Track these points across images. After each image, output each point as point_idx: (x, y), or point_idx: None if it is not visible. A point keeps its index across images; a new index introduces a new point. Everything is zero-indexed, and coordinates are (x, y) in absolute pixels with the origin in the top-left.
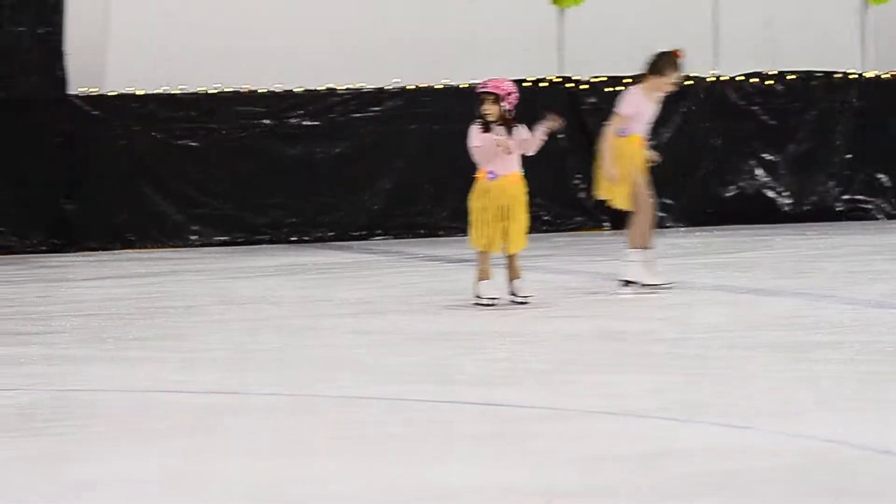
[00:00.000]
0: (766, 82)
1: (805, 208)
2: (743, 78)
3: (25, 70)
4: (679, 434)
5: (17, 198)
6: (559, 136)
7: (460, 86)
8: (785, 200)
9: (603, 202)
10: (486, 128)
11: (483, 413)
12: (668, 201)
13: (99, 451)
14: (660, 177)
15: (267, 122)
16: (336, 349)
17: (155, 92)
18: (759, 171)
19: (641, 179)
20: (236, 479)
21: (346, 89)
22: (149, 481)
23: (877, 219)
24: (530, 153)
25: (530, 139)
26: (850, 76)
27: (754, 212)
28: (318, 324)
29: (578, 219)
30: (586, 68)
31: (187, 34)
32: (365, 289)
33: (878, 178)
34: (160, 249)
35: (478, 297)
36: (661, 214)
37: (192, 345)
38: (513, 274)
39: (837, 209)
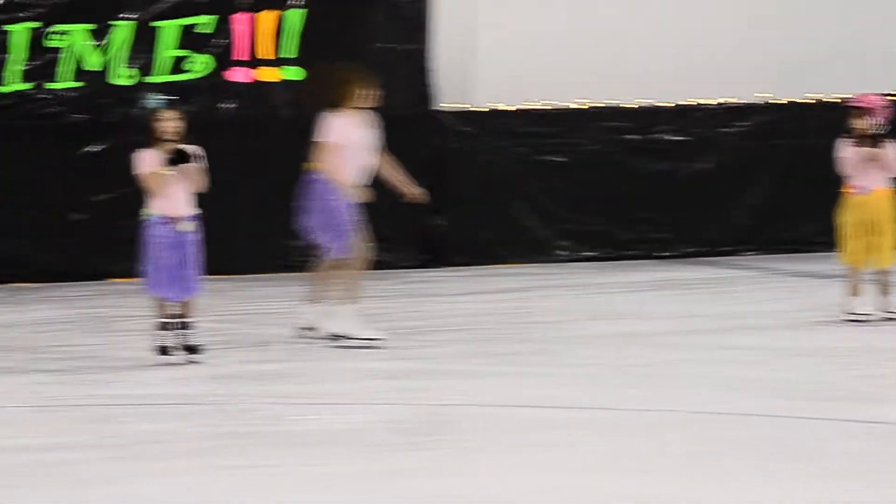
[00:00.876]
0: None
1: None
2: None
3: (395, 86)
4: None
5: (391, 213)
6: None
7: (828, 100)
8: None
9: None
10: (857, 142)
11: (854, 430)
12: None
13: (470, 465)
14: None
15: (633, 137)
16: (706, 365)
17: (521, 107)
18: None
19: None
20: (595, 495)
21: (714, 104)
22: (513, 494)
23: None
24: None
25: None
26: None
27: None
28: (686, 340)
29: None
30: None
31: (553, 50)
32: (733, 304)
33: None
34: (527, 265)
35: (849, 313)
36: None
37: (561, 360)
38: (884, 289)
39: None
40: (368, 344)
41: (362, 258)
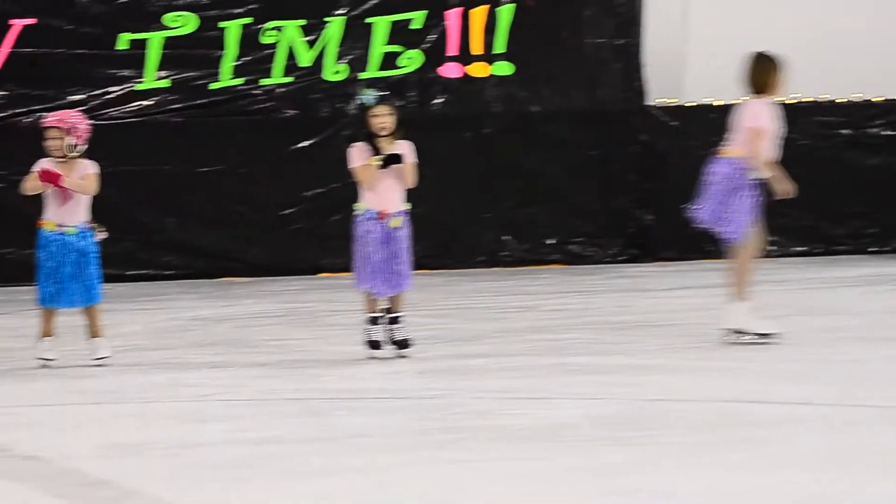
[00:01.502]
0: None
1: None
2: None
3: (605, 81)
4: None
5: (599, 207)
6: None
7: None
8: None
9: None
10: None
11: None
12: None
13: (678, 461)
14: None
15: (846, 131)
16: None
17: (732, 102)
18: None
19: None
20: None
21: None
22: (725, 492)
23: None
24: None
25: None
26: None
27: None
28: (886, 333)
29: None
30: None
31: (765, 44)
32: None
33: None
34: None
35: None
36: None
37: (769, 355)
38: None
39: None
40: (765, 339)
41: (758, 248)
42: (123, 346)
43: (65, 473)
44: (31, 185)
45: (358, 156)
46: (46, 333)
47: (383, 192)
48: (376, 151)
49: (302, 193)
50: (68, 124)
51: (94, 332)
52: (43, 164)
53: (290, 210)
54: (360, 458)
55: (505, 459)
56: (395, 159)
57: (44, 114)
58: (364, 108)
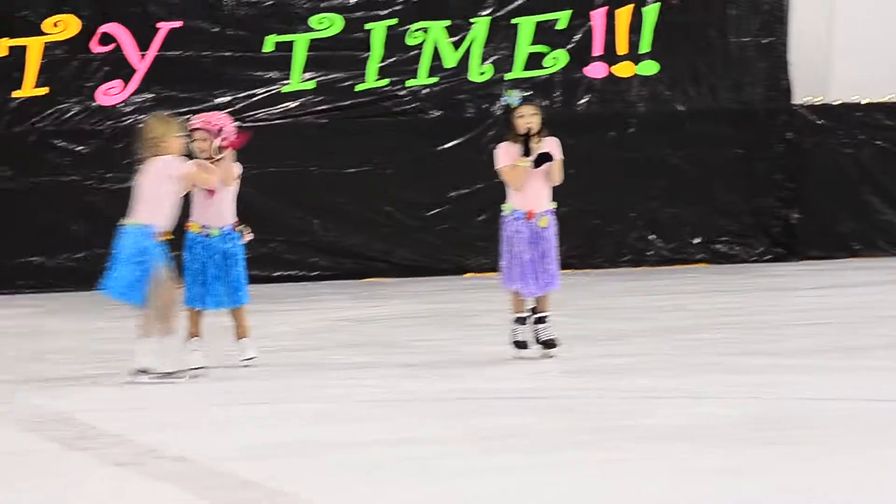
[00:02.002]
0: None
1: None
2: None
3: (751, 80)
4: None
5: (745, 207)
6: None
7: None
8: None
9: None
10: None
11: None
12: None
13: (829, 462)
14: None
15: None
16: None
17: (881, 101)
18: None
19: None
20: None
21: None
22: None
23: None
24: None
25: None
26: None
27: None
28: None
29: None
30: None
31: None
32: None
33: None
34: (884, 258)
35: None
36: None
37: None
38: None
39: None
40: None
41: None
42: (271, 346)
43: (212, 474)
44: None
45: (504, 156)
46: (193, 334)
47: (530, 192)
48: (525, 152)
49: (448, 194)
50: (216, 126)
51: (240, 334)
52: (191, 165)
53: (436, 210)
54: (507, 459)
55: (653, 459)
56: (545, 158)
57: (189, 116)
58: (509, 109)
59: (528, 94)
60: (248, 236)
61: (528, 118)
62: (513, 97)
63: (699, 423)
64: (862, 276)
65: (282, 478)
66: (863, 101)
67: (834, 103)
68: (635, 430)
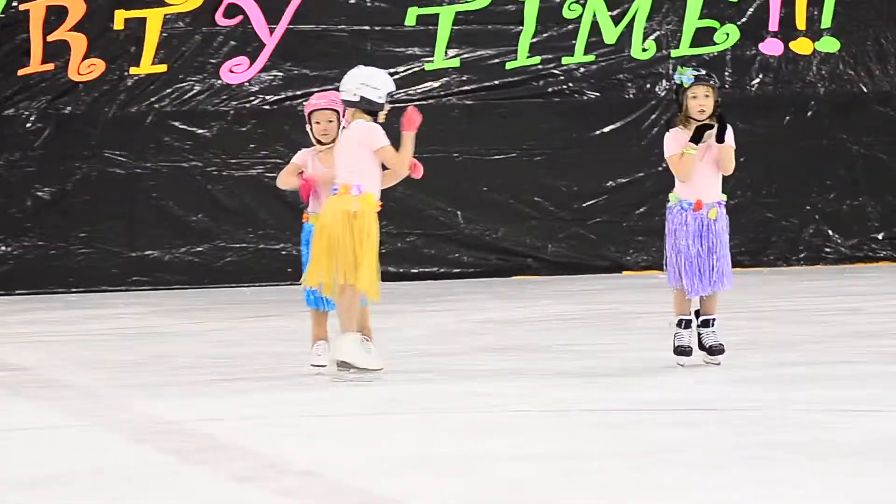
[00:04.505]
0: None
1: None
2: None
3: None
4: None
5: None
6: None
7: None
8: None
9: None
10: None
11: None
12: None
13: None
14: None
15: None
16: None
17: None
18: None
19: None
20: None
21: None
22: None
23: None
24: None
25: None
26: None
27: None
28: None
29: None
30: None
31: None
32: None
33: None
34: None
35: None
36: None
37: None
38: None
39: None
40: None
41: None
42: (406, 350)
43: (344, 490)
44: (286, 180)
45: (674, 144)
46: (318, 337)
47: (699, 181)
48: (696, 140)
49: (605, 184)
50: (343, 106)
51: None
52: (304, 155)
53: (592, 202)
54: (668, 476)
55: (833, 476)
56: (718, 132)
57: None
58: (681, 89)
59: (703, 73)
60: None
61: (702, 100)
62: (685, 75)
63: (884, 438)
64: None
65: (422, 494)
66: None
67: None
68: (811, 446)
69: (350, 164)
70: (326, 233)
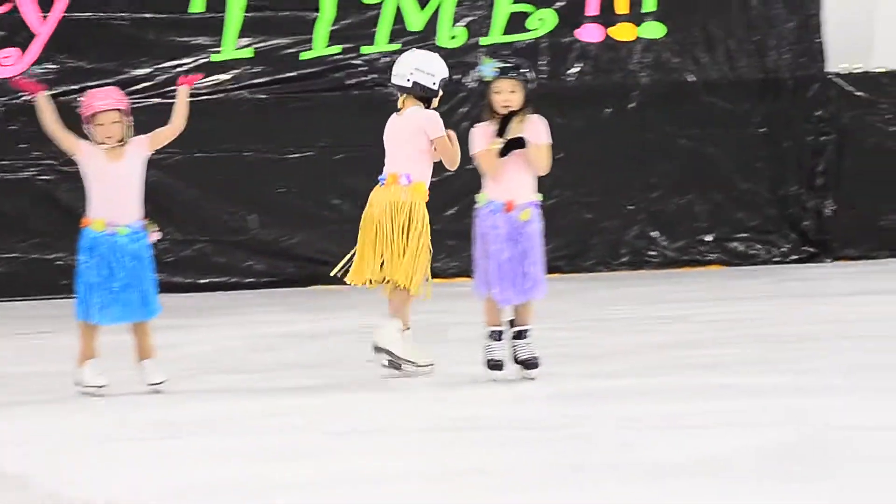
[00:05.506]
0: None
1: None
2: None
3: (777, 44)
4: None
5: (768, 197)
6: None
7: None
8: None
9: None
10: None
11: None
12: None
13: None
14: None
15: None
16: None
17: None
18: None
19: None
20: None
21: None
22: None
23: None
24: None
25: None
26: None
27: None
28: None
29: None
30: None
31: None
32: None
33: None
34: None
35: None
36: None
37: None
38: None
39: None
40: None
41: None
42: (191, 369)
43: None
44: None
45: (480, 139)
46: (88, 355)
47: (510, 181)
48: (500, 134)
49: None
50: (127, 105)
51: (144, 354)
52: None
53: (252, 220)
54: (478, 499)
55: (658, 500)
56: (516, 144)
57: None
58: (486, 82)
59: (508, 65)
60: (156, 235)
61: (506, 95)
62: (487, 68)
63: (709, 457)
64: None
65: None
66: None
67: (877, 71)
68: (632, 467)
69: (403, 152)
70: (373, 225)
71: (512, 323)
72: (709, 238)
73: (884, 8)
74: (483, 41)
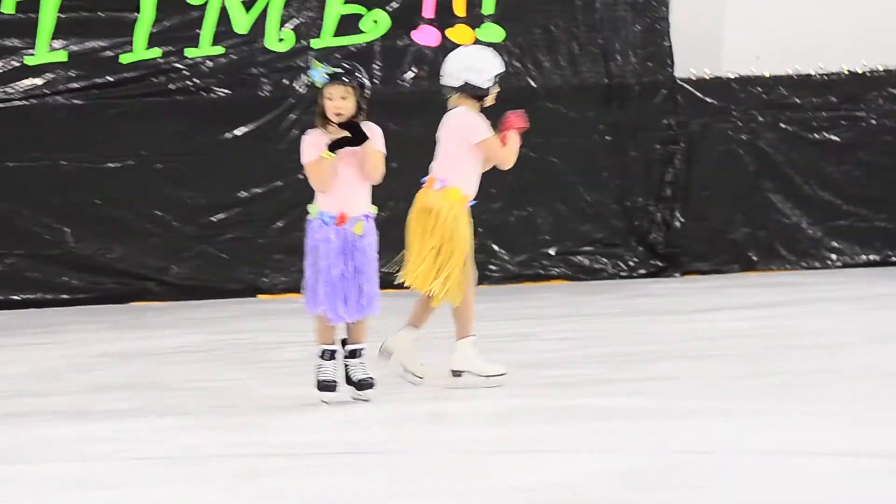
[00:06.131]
0: None
1: None
2: None
3: (623, 48)
4: None
5: (614, 208)
6: None
7: None
8: None
9: None
10: None
11: None
12: None
13: None
14: None
15: None
16: None
17: (785, 73)
18: None
19: None
20: None
21: None
22: None
23: None
24: None
25: None
26: None
27: None
28: None
29: None
30: None
31: (825, 3)
32: None
33: None
34: (789, 272)
35: None
36: None
37: (830, 395)
38: None
39: None
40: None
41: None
42: (3, 391)
43: None
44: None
45: (311, 148)
46: None
47: (343, 191)
48: (332, 140)
49: (237, 194)
50: None
51: None
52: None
53: (222, 215)
54: None
55: None
56: (353, 139)
57: None
58: (316, 87)
59: (341, 70)
60: None
61: (338, 102)
62: (317, 73)
63: (561, 483)
64: (761, 295)
65: None
66: (764, 74)
67: (727, 77)
68: (477, 495)
69: (443, 154)
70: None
71: (345, 342)
72: (551, 252)
73: (733, 12)
74: (314, 44)
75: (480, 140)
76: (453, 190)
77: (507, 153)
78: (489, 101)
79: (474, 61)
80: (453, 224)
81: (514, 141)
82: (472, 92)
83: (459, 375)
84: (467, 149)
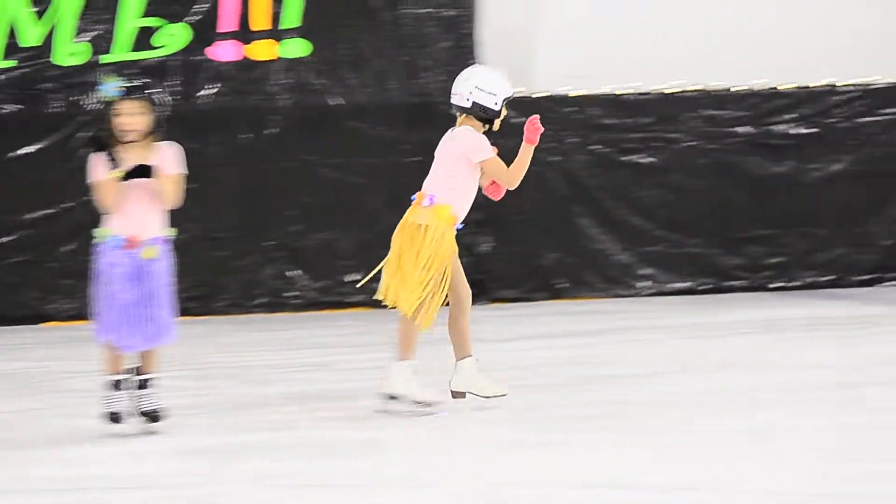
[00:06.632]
0: None
1: None
2: None
3: (430, 65)
4: None
5: None
6: None
7: None
8: None
9: None
10: None
11: None
12: None
13: None
14: None
15: (745, 129)
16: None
17: (594, 93)
18: None
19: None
20: None
21: (850, 85)
22: None
23: None
24: None
25: None
26: None
27: None
28: (811, 398)
29: None
30: None
31: (638, 23)
32: (875, 350)
33: None
34: (599, 300)
35: None
36: None
37: (642, 427)
38: None
39: None
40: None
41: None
42: None
43: None
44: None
45: (100, 167)
46: None
47: (134, 214)
48: (122, 165)
49: (23, 216)
50: None
51: None
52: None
53: (6, 239)
54: None
55: None
56: (141, 172)
57: None
58: (108, 103)
59: (134, 84)
60: None
61: (128, 118)
62: (109, 87)
63: None
64: (570, 323)
65: None
66: (575, 94)
67: (536, 96)
68: None
69: (435, 171)
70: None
71: (137, 371)
72: (354, 278)
73: (545, 30)
74: (104, 59)
75: (483, 159)
76: (443, 208)
77: (513, 172)
78: (497, 124)
79: (486, 83)
80: (442, 244)
81: (527, 156)
82: (481, 114)
83: (463, 396)
84: (465, 167)
